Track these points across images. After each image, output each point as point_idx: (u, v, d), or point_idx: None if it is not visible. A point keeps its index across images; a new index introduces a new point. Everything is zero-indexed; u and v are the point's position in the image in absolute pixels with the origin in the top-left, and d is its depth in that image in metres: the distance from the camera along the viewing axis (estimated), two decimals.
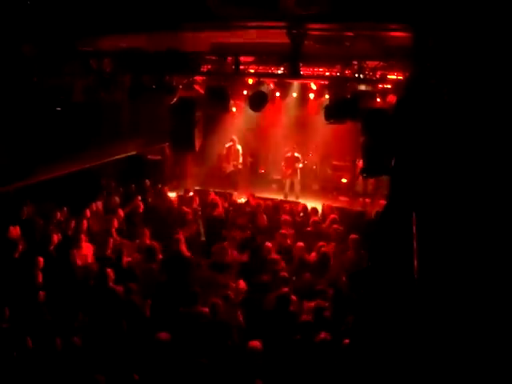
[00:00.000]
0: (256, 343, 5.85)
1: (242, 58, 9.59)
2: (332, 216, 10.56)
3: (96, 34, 8.89)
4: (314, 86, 11.07)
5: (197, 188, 13.63)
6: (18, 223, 9.02)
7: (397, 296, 4.63)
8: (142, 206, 11.08)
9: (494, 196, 4.27)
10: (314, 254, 8.77)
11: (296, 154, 14.06)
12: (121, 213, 10.54)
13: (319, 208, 11.48)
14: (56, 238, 8.81)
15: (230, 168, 14.83)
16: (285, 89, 12.07)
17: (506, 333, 3.88)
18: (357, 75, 9.07)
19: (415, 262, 4.45)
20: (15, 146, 8.90)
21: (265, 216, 10.68)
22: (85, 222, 9.78)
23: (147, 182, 12.77)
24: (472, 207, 4.34)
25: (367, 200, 12.96)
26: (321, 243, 9.02)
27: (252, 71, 9.79)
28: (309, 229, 10.10)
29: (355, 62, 8.77)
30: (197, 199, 12.08)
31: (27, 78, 8.68)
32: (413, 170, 5.00)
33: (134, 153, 12.72)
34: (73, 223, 9.70)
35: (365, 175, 9.96)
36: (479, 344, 3.89)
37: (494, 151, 4.40)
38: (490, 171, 4.36)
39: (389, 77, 9.06)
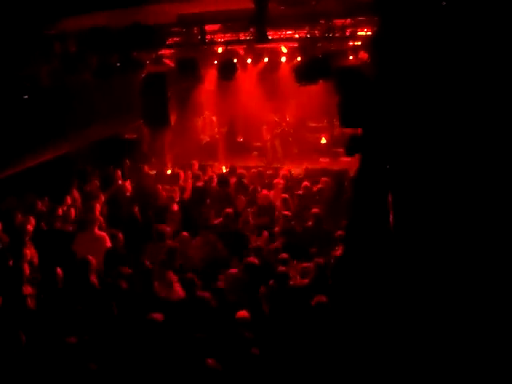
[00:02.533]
0: (243, 313, 5.88)
1: (210, 27, 9.44)
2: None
3: (58, 16, 8.67)
4: (284, 50, 10.95)
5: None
6: None
7: (374, 248, 4.71)
8: (129, 189, 10.88)
9: (466, 150, 4.28)
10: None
11: (276, 119, 14.07)
12: (102, 197, 10.34)
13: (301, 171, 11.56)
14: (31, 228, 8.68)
15: (205, 139, 14.78)
16: (256, 55, 11.93)
17: (475, 282, 3.97)
18: (326, 35, 9.01)
19: (391, 216, 4.52)
20: None
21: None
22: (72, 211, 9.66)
23: (127, 161, 12.62)
24: (444, 161, 4.35)
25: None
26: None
27: (221, 40, 9.65)
28: (300, 192, 10.07)
29: (322, 22, 8.62)
30: (182, 175, 11.98)
31: None
32: (385, 125, 4.97)
33: (109, 134, 12.52)
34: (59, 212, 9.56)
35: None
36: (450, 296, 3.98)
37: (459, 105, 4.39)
38: (457, 123, 4.36)
39: (359, 33, 8.98)
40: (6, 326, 6.23)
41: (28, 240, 8.53)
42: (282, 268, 6.82)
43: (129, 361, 5.45)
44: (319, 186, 10.04)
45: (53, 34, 9.06)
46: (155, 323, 5.81)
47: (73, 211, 9.64)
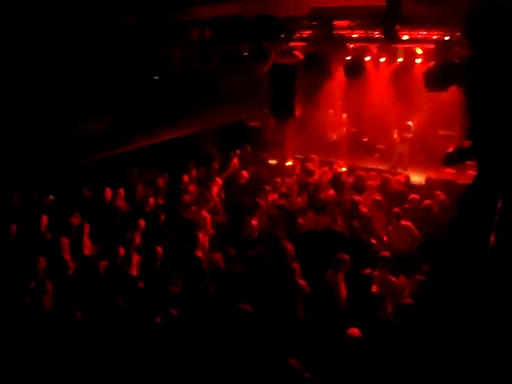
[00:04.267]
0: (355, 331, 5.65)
1: (341, 23, 9.29)
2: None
3: (191, 3, 9.02)
4: (419, 51, 10.43)
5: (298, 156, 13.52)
6: (122, 187, 9.56)
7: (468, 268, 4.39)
8: (245, 176, 11.08)
9: None
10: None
11: (409, 123, 13.52)
12: (219, 181, 10.59)
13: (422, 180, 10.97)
14: (152, 201, 9.19)
15: (333, 137, 14.58)
16: (390, 54, 11.51)
17: None
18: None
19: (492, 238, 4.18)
20: (117, 113, 9.32)
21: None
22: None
23: (248, 148, 12.88)
24: None
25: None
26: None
27: (351, 36, 9.47)
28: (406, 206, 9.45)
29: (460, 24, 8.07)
30: (298, 167, 11.99)
31: (128, 49, 9.02)
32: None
33: (234, 120, 12.85)
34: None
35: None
36: None
37: None
38: None
39: None
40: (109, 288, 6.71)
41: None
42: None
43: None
44: (429, 202, 9.21)
45: (188, 21, 9.45)
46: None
47: (192, 188, 10.07)
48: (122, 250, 7.51)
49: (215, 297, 6.61)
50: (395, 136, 13.77)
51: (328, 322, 6.06)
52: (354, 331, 5.49)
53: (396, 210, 8.70)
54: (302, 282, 6.72)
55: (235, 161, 11.64)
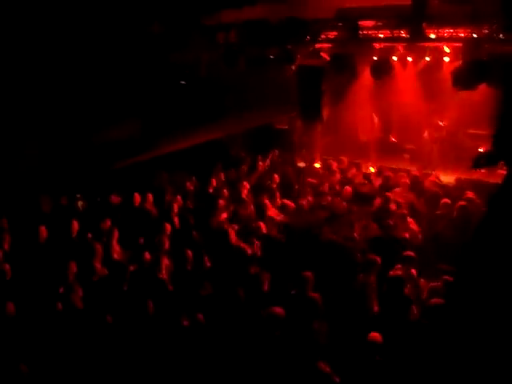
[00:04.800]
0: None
1: (366, 23, 9.23)
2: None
3: (220, 7, 9.08)
4: (447, 49, 10.27)
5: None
6: (150, 191, 9.68)
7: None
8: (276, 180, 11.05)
9: None
10: None
11: (440, 123, 13.31)
12: (246, 185, 10.58)
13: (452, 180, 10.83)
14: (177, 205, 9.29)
15: (364, 139, 14.46)
16: (417, 53, 11.35)
17: None
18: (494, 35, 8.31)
19: None
20: (144, 118, 9.45)
21: None
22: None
23: (276, 151, 12.90)
24: None
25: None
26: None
27: (377, 36, 9.40)
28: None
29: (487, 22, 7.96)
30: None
31: (155, 55, 9.13)
32: None
33: (262, 123, 12.88)
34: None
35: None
36: None
37: None
38: None
39: None
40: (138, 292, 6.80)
41: (174, 216, 9.21)
42: None
43: None
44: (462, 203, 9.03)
45: (214, 25, 9.53)
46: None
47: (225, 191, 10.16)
48: (148, 255, 7.61)
49: (245, 301, 6.65)
50: (425, 135, 13.60)
51: (360, 325, 6.04)
52: (375, 336, 5.48)
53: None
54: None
55: (261, 163, 11.65)
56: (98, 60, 9.09)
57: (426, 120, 13.69)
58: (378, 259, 7.03)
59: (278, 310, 5.88)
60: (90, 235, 8.12)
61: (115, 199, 9.54)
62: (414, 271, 7.04)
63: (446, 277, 6.51)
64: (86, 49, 8.93)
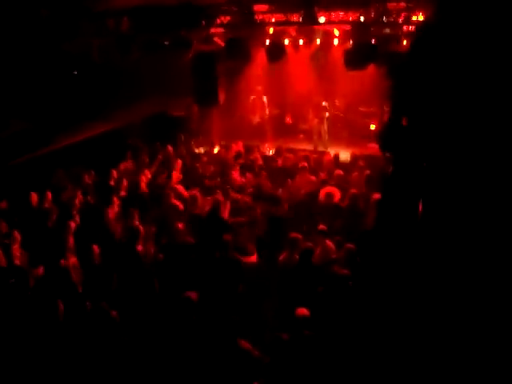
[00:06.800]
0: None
1: (260, 7, 9.32)
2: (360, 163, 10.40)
3: None
4: (336, 32, 10.67)
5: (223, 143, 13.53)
6: (48, 188, 9.17)
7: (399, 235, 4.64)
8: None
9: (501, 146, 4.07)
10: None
11: (323, 103, 13.78)
12: (148, 174, 10.41)
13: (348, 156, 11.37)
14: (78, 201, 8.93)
15: (256, 119, 14.68)
16: (308, 36, 11.69)
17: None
18: (380, 19, 8.76)
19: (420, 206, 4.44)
20: (37, 112, 8.91)
21: None
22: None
23: (182, 136, 12.76)
24: (482, 160, 4.15)
25: None
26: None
27: (271, 20, 9.55)
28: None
29: (375, 5, 8.37)
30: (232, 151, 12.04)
31: (44, 43, 8.59)
32: (426, 115, 4.78)
33: (158, 111, 12.64)
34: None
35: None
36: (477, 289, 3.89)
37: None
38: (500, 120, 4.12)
39: (413, 18, 8.67)
40: (47, 295, 6.46)
41: (75, 213, 8.81)
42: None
43: None
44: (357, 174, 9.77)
45: (105, 11, 9.14)
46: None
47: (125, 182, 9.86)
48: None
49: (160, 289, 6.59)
50: (310, 116, 14.07)
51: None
52: (303, 311, 5.64)
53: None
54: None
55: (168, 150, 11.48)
56: None
57: (312, 101, 14.16)
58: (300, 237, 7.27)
59: (192, 294, 5.87)
60: None
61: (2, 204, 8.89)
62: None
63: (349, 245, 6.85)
64: None
